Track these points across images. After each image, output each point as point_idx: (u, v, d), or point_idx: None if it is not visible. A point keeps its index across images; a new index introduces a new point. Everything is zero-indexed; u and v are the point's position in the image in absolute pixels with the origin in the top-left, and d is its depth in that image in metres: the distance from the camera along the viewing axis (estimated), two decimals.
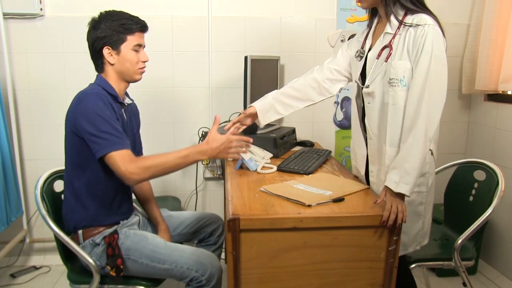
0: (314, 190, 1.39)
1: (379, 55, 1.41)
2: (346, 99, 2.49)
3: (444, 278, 2.32)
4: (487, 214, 1.55)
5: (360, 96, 1.52)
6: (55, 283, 2.28)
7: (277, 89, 2.30)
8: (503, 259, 2.31)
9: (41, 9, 2.21)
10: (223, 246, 1.76)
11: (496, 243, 2.35)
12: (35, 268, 2.43)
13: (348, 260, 1.23)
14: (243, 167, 1.70)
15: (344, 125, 2.53)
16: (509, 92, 2.29)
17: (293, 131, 2.22)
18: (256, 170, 1.66)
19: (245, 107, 1.96)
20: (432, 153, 1.44)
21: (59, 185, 1.60)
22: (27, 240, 2.43)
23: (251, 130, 1.99)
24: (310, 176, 1.60)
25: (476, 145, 2.54)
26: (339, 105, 2.50)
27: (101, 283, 1.46)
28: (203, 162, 2.38)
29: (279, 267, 1.21)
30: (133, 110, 1.64)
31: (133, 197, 1.68)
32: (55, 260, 2.49)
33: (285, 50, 2.41)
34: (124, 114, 1.53)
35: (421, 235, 1.48)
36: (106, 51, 1.45)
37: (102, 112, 1.35)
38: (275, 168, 1.68)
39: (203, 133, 2.33)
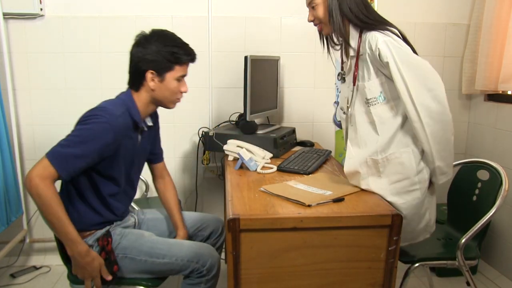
0: (314, 190, 1.39)
1: (352, 80, 1.47)
2: None
3: (444, 278, 2.32)
4: (490, 214, 1.55)
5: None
6: (55, 283, 2.28)
7: (277, 89, 2.31)
8: (503, 259, 2.31)
9: (41, 9, 2.21)
10: (223, 247, 1.76)
11: (496, 243, 2.35)
12: (35, 268, 2.43)
13: (348, 260, 1.23)
14: (243, 167, 1.70)
15: None
16: (509, 92, 2.29)
17: (293, 131, 2.22)
18: (256, 170, 1.66)
19: (245, 107, 1.96)
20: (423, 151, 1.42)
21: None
22: (27, 240, 2.43)
23: (250, 130, 2.00)
24: (310, 176, 1.60)
25: (476, 145, 2.53)
26: (339, 105, 2.50)
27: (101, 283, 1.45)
28: (203, 162, 2.37)
29: (279, 267, 1.21)
30: (152, 128, 1.60)
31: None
32: (55, 260, 2.49)
33: (285, 50, 2.41)
34: (139, 138, 1.50)
35: (430, 225, 1.48)
36: (149, 75, 1.41)
37: (87, 139, 1.30)
38: (275, 168, 1.68)
39: (203, 133, 2.33)
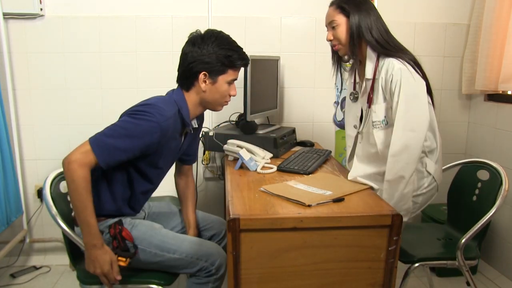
0: (314, 190, 1.39)
1: (367, 101, 1.56)
2: None
3: (444, 278, 2.32)
4: (491, 214, 1.55)
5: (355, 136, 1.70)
6: (55, 283, 2.29)
7: (277, 89, 2.31)
8: (503, 259, 2.31)
9: (41, 9, 2.21)
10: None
11: (496, 243, 2.35)
12: (35, 268, 2.43)
13: (348, 260, 1.23)
14: (243, 167, 1.70)
15: (344, 125, 2.52)
16: (509, 92, 2.29)
17: (293, 131, 2.22)
18: (256, 170, 1.66)
19: (245, 107, 1.96)
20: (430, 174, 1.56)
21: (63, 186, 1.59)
22: (27, 240, 2.43)
23: (250, 130, 2.00)
24: (310, 176, 1.60)
25: (476, 145, 2.53)
26: (339, 105, 2.50)
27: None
28: (203, 162, 2.37)
29: (279, 267, 1.21)
30: (195, 129, 1.60)
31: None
32: (55, 260, 2.50)
33: (285, 50, 2.41)
34: (182, 139, 1.51)
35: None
36: (202, 76, 1.41)
37: (133, 134, 1.29)
38: (275, 168, 1.68)
39: (203, 133, 2.33)
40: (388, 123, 1.50)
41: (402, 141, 1.41)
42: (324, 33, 2.41)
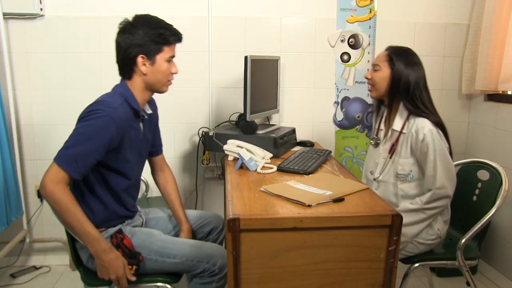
0: (314, 190, 1.39)
1: (389, 150, 1.67)
2: (346, 99, 2.49)
3: (444, 278, 2.32)
4: (491, 214, 1.56)
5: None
6: (55, 283, 2.28)
7: (277, 89, 2.31)
8: (503, 259, 2.31)
9: (41, 9, 2.21)
10: (224, 243, 1.76)
11: (496, 243, 2.35)
12: (35, 268, 2.43)
13: (348, 260, 1.23)
14: (243, 167, 1.70)
15: (344, 125, 2.53)
16: (509, 92, 2.28)
17: (293, 131, 2.22)
18: (256, 170, 1.66)
19: (245, 107, 1.96)
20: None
21: None
22: (27, 240, 2.43)
23: (250, 130, 2.00)
24: (310, 176, 1.60)
25: (476, 145, 2.53)
26: (339, 105, 2.50)
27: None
28: (203, 162, 2.37)
29: (279, 267, 1.21)
30: (152, 115, 1.61)
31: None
32: (55, 260, 2.50)
33: (285, 50, 2.41)
34: (141, 126, 1.51)
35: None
36: (140, 59, 1.41)
37: (91, 135, 1.30)
38: (275, 168, 1.68)
39: (203, 133, 2.33)
40: (413, 178, 1.61)
41: (442, 192, 1.54)
42: (324, 33, 2.43)
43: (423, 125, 1.53)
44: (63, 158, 1.29)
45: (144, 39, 1.39)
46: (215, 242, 1.74)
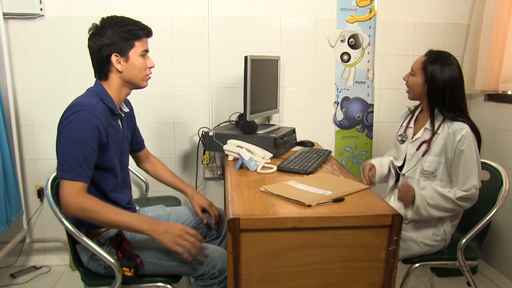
0: (314, 190, 1.39)
1: (418, 147, 1.68)
2: (346, 99, 2.49)
3: (444, 278, 2.32)
4: (491, 214, 1.56)
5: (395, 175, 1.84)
6: (55, 283, 2.29)
7: (277, 89, 2.31)
8: (503, 259, 2.31)
9: (41, 9, 2.21)
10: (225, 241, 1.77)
11: (496, 243, 2.35)
12: (35, 268, 2.43)
13: (348, 260, 1.23)
14: (243, 167, 1.70)
15: (344, 125, 2.53)
16: (509, 92, 2.28)
17: (293, 131, 2.22)
18: (256, 170, 1.66)
19: (245, 107, 1.96)
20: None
21: None
22: (27, 240, 2.43)
23: (250, 130, 2.00)
24: (310, 176, 1.60)
25: None
26: (339, 105, 2.50)
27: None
28: (203, 162, 2.38)
29: (279, 267, 1.21)
30: (128, 113, 1.62)
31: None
32: (55, 260, 2.50)
33: (285, 50, 2.41)
34: (120, 124, 1.52)
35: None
36: (114, 58, 1.43)
37: (81, 136, 1.30)
38: (275, 168, 1.68)
39: (203, 133, 2.33)
40: (436, 177, 1.63)
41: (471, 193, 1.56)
42: (324, 33, 2.43)
43: (462, 127, 1.56)
44: (68, 170, 1.29)
45: (114, 38, 1.41)
46: (219, 237, 1.75)
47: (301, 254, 1.20)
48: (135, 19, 1.48)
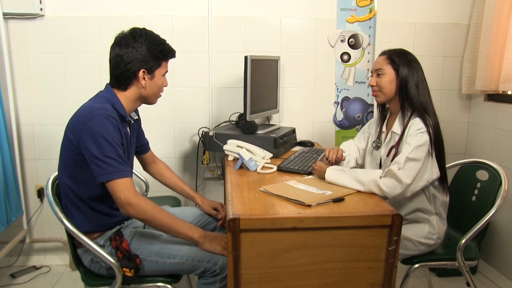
0: (314, 190, 1.39)
1: (388, 153, 1.63)
2: (346, 99, 2.49)
3: (444, 278, 2.32)
4: (490, 214, 1.55)
5: None
6: (55, 283, 2.29)
7: (277, 89, 2.31)
8: (503, 259, 2.31)
9: (41, 9, 2.21)
10: None
11: (496, 243, 2.35)
12: (35, 268, 2.43)
13: (348, 260, 1.23)
14: (243, 167, 1.70)
15: (344, 125, 2.53)
16: (509, 92, 2.29)
17: (293, 131, 2.22)
18: (256, 170, 1.67)
19: (245, 107, 1.96)
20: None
21: None
22: (27, 240, 2.43)
23: (250, 130, 2.00)
24: (310, 176, 1.60)
25: (476, 145, 2.53)
26: (339, 105, 2.50)
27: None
28: (203, 162, 2.38)
29: (279, 267, 1.21)
30: (136, 120, 1.63)
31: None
32: (55, 260, 2.50)
33: (285, 50, 2.41)
34: (129, 131, 1.53)
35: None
36: (141, 74, 1.44)
37: (109, 137, 1.32)
38: (275, 168, 1.68)
39: (203, 133, 2.33)
40: None
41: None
42: (324, 33, 2.43)
43: (418, 126, 1.51)
44: (112, 170, 1.31)
45: (147, 55, 1.43)
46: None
47: (301, 254, 1.20)
48: (162, 37, 1.51)
